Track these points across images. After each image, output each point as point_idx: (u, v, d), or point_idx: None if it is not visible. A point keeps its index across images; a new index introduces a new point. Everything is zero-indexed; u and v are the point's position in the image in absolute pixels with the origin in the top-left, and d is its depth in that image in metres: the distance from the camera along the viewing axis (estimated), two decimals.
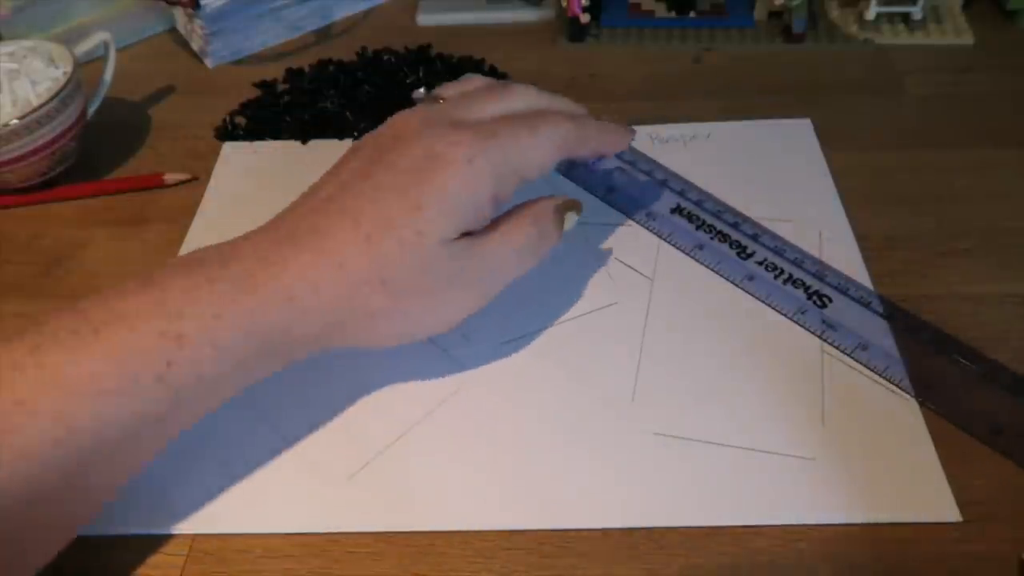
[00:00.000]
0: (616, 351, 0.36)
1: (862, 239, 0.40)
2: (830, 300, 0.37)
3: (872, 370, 0.34)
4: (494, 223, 0.32)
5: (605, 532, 0.30)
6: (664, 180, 0.43)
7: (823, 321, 0.36)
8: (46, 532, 0.27)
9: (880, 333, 0.35)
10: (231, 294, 0.28)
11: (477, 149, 0.31)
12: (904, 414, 0.33)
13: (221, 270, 0.29)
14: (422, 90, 0.35)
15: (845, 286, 0.37)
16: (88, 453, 0.26)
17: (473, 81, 0.36)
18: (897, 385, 0.34)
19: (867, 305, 0.36)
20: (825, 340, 0.35)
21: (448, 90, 0.35)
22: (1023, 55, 0.51)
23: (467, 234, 0.31)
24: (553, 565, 0.30)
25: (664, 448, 0.32)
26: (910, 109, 0.47)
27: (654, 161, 0.44)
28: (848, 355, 0.35)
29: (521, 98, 0.35)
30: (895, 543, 0.29)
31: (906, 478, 0.31)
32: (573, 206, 0.35)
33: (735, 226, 0.40)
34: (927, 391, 0.33)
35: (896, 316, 0.36)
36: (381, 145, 0.32)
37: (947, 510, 0.30)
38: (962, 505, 0.30)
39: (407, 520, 0.31)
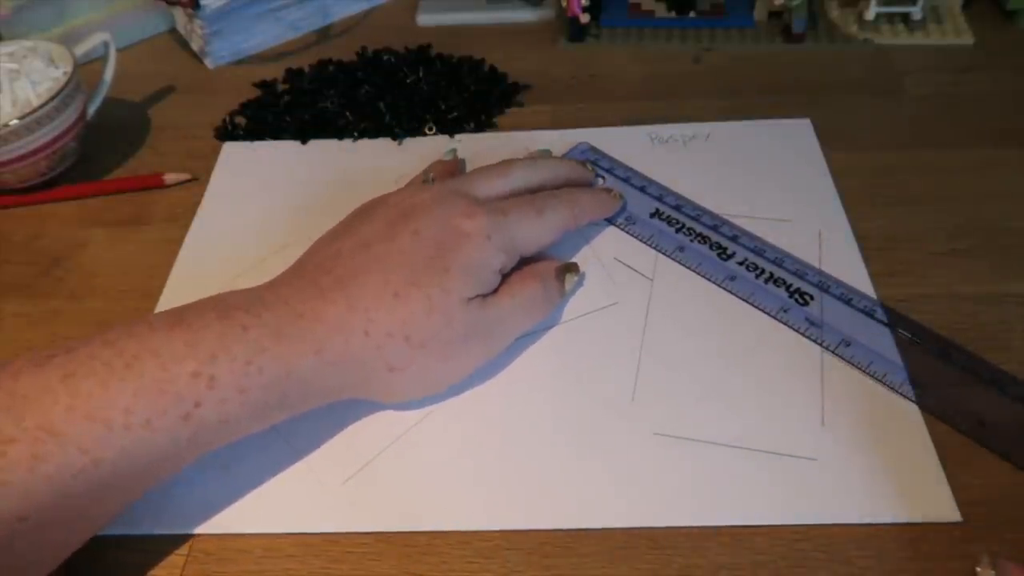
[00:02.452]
0: (616, 351, 0.36)
1: (862, 239, 0.40)
2: (811, 297, 0.37)
3: (856, 366, 0.34)
4: (503, 282, 0.35)
5: (605, 532, 0.30)
6: (643, 187, 0.43)
7: (806, 319, 0.36)
8: (43, 552, 0.28)
9: (862, 329, 0.36)
10: (262, 342, 0.29)
11: (494, 227, 0.34)
12: (904, 414, 0.33)
13: (253, 318, 0.30)
14: (431, 174, 0.39)
15: (826, 284, 0.38)
16: (102, 486, 0.27)
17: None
18: (880, 380, 0.34)
19: (848, 302, 0.37)
20: (809, 338, 0.36)
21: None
22: (1023, 55, 0.51)
23: (479, 296, 0.33)
24: (553, 565, 0.30)
25: (664, 448, 0.32)
26: (910, 109, 0.47)
27: (631, 168, 0.44)
28: (832, 352, 0.35)
29: (521, 174, 0.38)
30: (895, 543, 0.29)
31: (906, 478, 0.31)
32: (572, 268, 0.37)
33: (714, 228, 0.41)
34: (912, 386, 0.33)
35: (876, 312, 0.36)
36: (400, 213, 0.34)
37: (947, 510, 0.30)
38: (962, 505, 0.30)
39: (407, 520, 0.31)
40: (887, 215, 0.41)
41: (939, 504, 0.30)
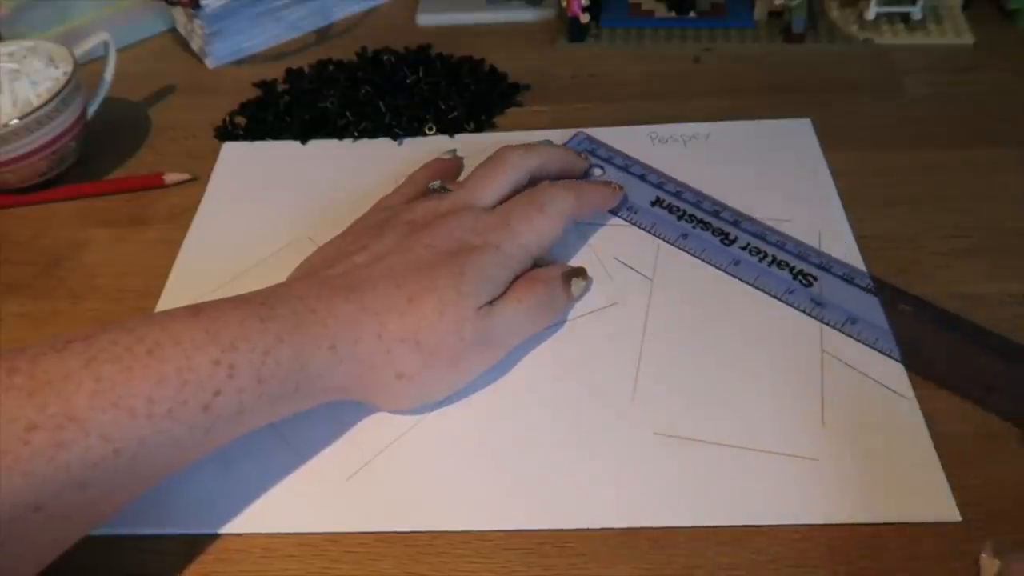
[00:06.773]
0: (616, 351, 0.36)
1: (862, 239, 0.40)
2: (815, 279, 0.38)
3: (862, 342, 0.35)
4: (510, 288, 0.35)
5: (605, 532, 0.30)
6: (642, 175, 0.43)
7: (812, 299, 0.37)
8: (45, 544, 0.27)
9: (866, 307, 0.36)
10: (280, 334, 0.29)
11: (502, 236, 0.35)
12: (904, 414, 0.33)
13: (269, 311, 0.30)
14: (437, 182, 0.39)
15: (828, 264, 0.38)
16: (118, 477, 0.26)
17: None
18: (888, 355, 0.34)
19: (851, 281, 0.37)
20: (814, 317, 0.36)
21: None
22: (1023, 55, 0.51)
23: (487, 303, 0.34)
24: (553, 565, 0.30)
25: (664, 448, 0.32)
26: (910, 109, 0.47)
27: (631, 157, 0.45)
28: (839, 330, 0.35)
29: (517, 162, 0.38)
30: (895, 543, 0.29)
31: (906, 478, 0.31)
32: (579, 273, 0.37)
33: (715, 214, 0.41)
34: (916, 358, 0.34)
35: (882, 288, 0.37)
36: (412, 229, 0.35)
37: (947, 510, 0.30)
38: (962, 505, 0.30)
39: (407, 520, 0.31)
40: (887, 215, 0.41)
41: (939, 504, 0.30)
